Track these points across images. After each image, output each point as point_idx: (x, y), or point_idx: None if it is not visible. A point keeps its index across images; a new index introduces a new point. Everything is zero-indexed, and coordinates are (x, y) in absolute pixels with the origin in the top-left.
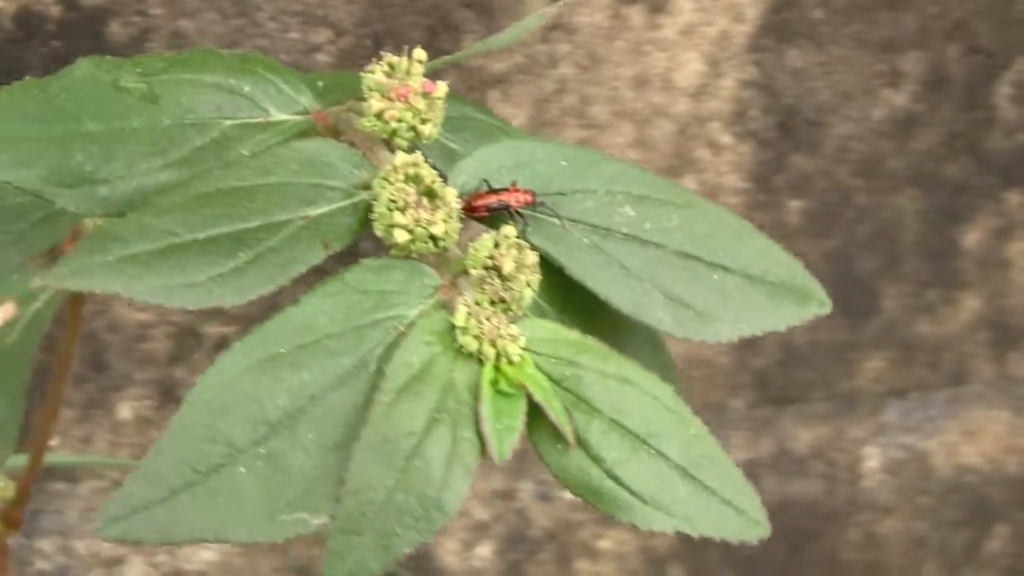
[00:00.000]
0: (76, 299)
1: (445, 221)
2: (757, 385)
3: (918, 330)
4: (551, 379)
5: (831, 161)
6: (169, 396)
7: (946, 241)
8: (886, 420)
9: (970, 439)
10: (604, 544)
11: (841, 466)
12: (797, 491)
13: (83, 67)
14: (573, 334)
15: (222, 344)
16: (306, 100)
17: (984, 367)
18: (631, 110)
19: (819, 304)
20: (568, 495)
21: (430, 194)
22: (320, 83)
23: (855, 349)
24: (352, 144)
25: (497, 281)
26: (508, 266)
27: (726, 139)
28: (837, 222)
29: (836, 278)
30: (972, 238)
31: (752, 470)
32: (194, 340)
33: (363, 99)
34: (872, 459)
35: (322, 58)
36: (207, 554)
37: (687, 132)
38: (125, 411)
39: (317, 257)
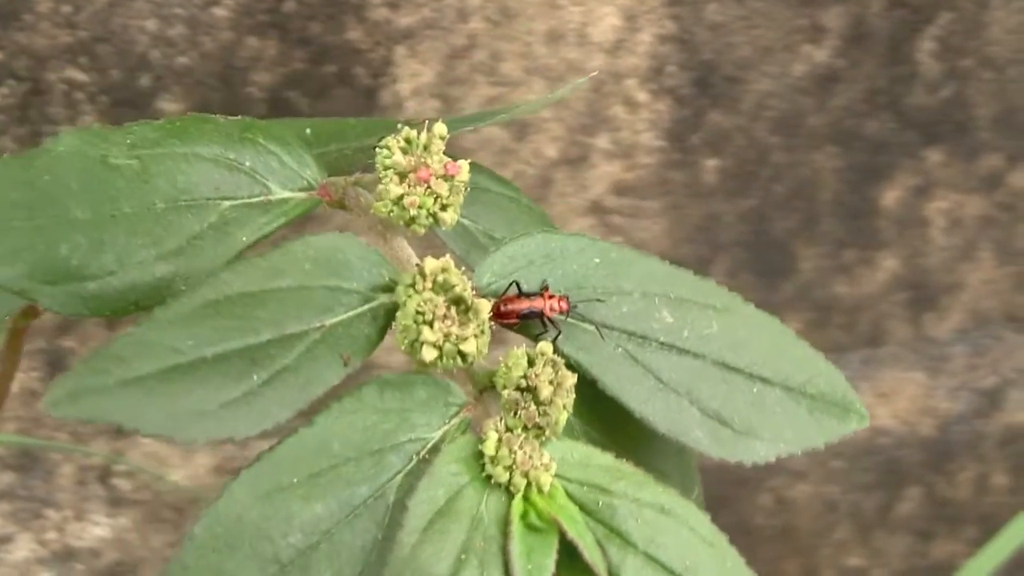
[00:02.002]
0: (16, 332)
1: (476, 337)
2: None
3: (834, 291)
4: (584, 510)
5: (749, 119)
6: (57, 367)
7: (864, 200)
8: None
9: (884, 401)
10: None
11: None
12: (708, 456)
13: (67, 141)
14: (607, 458)
15: None
16: (310, 174)
17: (900, 328)
18: (544, 66)
19: (859, 419)
20: None
21: (459, 303)
22: (308, 130)
23: (770, 310)
24: (359, 217)
25: (532, 405)
26: (545, 390)
27: (642, 96)
28: (754, 181)
29: (752, 238)
30: (891, 197)
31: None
32: None
33: (362, 163)
34: None
35: (219, 12)
36: (98, 530)
37: (602, 89)
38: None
39: (336, 376)
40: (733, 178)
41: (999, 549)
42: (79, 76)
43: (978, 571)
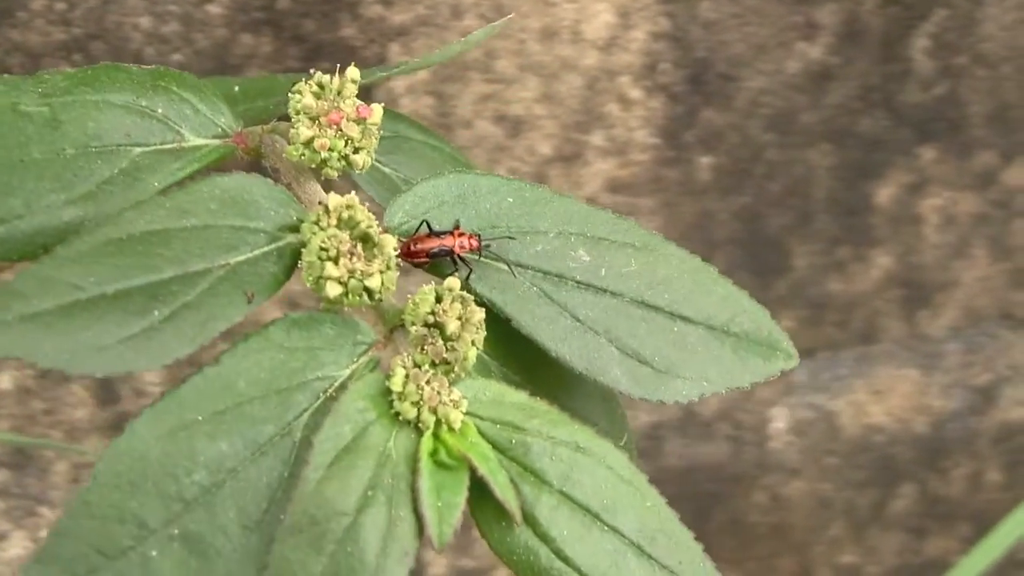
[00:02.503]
0: None
1: (382, 272)
2: None
3: (828, 288)
4: (496, 448)
5: (743, 116)
6: None
7: (858, 197)
8: (794, 380)
9: (878, 398)
10: None
11: (748, 428)
12: (703, 454)
13: None
14: (520, 396)
15: None
16: (225, 121)
17: (894, 325)
18: (538, 63)
19: (786, 358)
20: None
21: (365, 239)
22: (236, 88)
23: (764, 307)
24: (276, 170)
25: (439, 340)
26: (452, 325)
27: (636, 93)
28: (748, 178)
29: (746, 235)
30: (885, 194)
31: (657, 433)
32: None
33: (287, 115)
34: (779, 420)
35: (214, 9)
36: None
37: (596, 86)
38: (5, 381)
39: (239, 313)
40: (727, 175)
41: (993, 546)
42: None
43: (972, 568)
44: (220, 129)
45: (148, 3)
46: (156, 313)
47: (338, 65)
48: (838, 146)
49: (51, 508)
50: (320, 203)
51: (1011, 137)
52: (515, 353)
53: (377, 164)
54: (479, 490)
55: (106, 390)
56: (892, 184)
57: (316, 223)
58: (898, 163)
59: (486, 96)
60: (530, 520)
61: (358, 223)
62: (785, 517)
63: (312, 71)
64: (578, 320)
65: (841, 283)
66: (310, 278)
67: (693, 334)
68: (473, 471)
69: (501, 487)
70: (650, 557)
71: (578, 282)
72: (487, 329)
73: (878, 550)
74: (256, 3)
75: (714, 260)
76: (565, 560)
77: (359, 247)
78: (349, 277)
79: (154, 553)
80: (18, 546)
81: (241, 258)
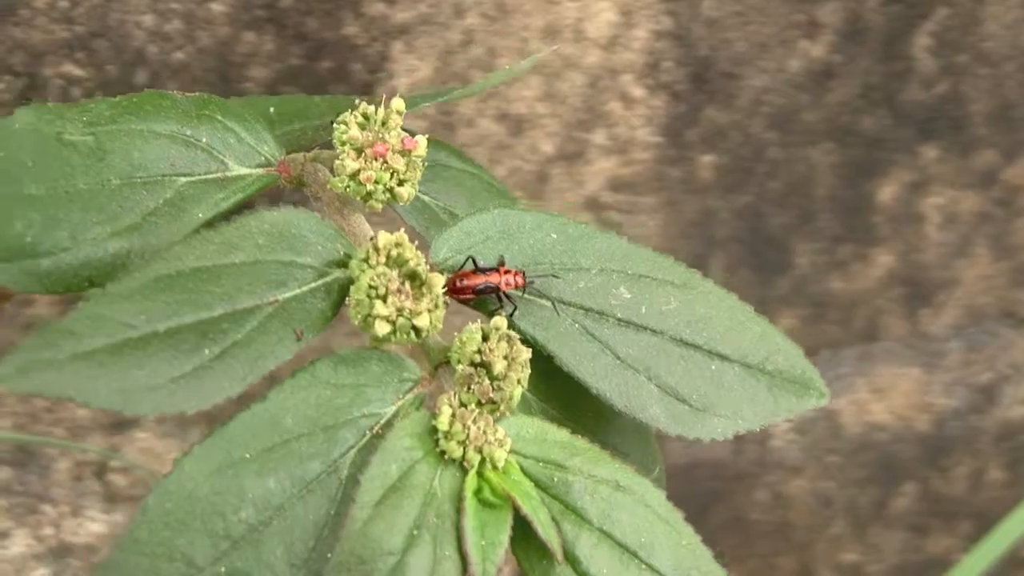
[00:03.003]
0: None
1: (430, 311)
2: None
3: (830, 286)
4: (539, 486)
5: (745, 114)
6: None
7: (860, 196)
8: None
9: (880, 396)
10: None
11: None
12: (705, 452)
13: (23, 117)
14: (562, 434)
15: None
16: (268, 150)
17: (895, 324)
18: (541, 62)
19: (819, 396)
20: None
21: (413, 277)
22: (272, 109)
23: (766, 306)
24: (318, 199)
25: (486, 380)
26: (499, 365)
27: (638, 92)
28: (750, 177)
29: (748, 234)
30: (886, 193)
31: (659, 432)
32: None
33: (326, 142)
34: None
35: (216, 7)
36: (94, 526)
37: (598, 85)
38: None
39: (289, 351)
40: (729, 174)
41: (995, 544)
42: (76, 71)
43: (973, 566)
44: (263, 158)
45: (151, 1)
46: (207, 352)
47: (383, 96)
48: (840, 144)
49: (53, 506)
50: (370, 240)
51: (1013, 135)
52: (555, 389)
53: (418, 194)
54: (521, 527)
55: None
56: (894, 182)
57: (365, 260)
58: (900, 161)
59: (489, 95)
60: (571, 558)
61: (407, 261)
62: (787, 515)
63: (357, 101)
64: (618, 358)
65: (843, 281)
66: (358, 316)
67: (730, 372)
68: (516, 509)
69: (543, 526)
70: None
71: (619, 319)
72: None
73: (880, 548)
74: (259, 1)
75: (716, 258)
76: None
77: (407, 285)
78: (398, 315)
79: None
80: (20, 544)
81: (290, 294)
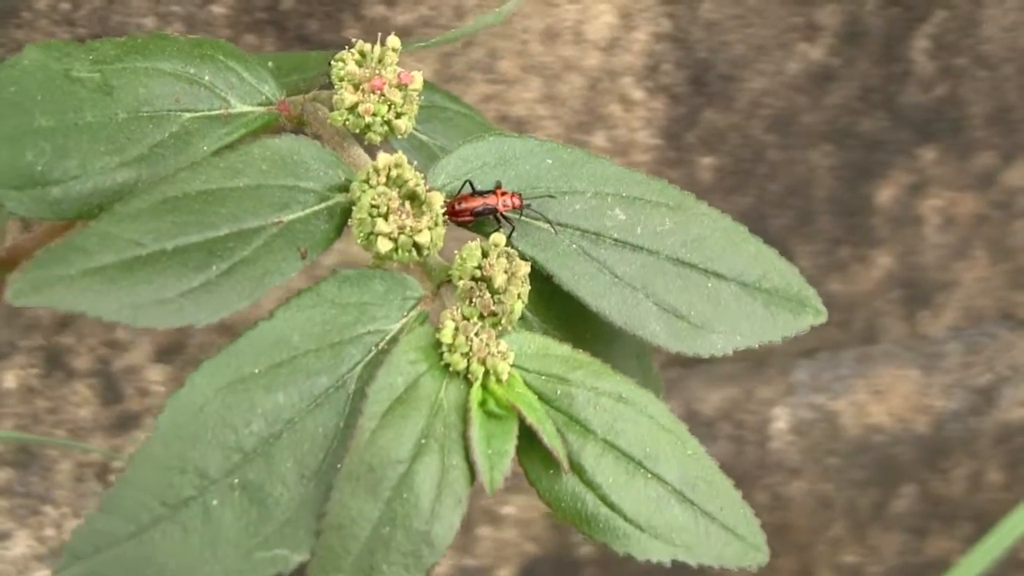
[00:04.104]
0: None
1: (430, 228)
2: None
3: (829, 288)
4: (542, 398)
5: (744, 117)
6: (55, 364)
7: (859, 198)
8: (795, 380)
9: (879, 398)
10: (507, 510)
11: (749, 428)
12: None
13: (32, 55)
14: (564, 348)
15: None
16: (269, 90)
17: (894, 326)
18: (540, 64)
19: (815, 313)
20: None
21: (413, 198)
22: (270, 63)
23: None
24: (318, 136)
25: (487, 293)
26: (499, 278)
27: (638, 94)
28: (750, 179)
29: None
30: (885, 195)
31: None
32: None
33: (327, 84)
34: (780, 420)
35: (217, 9)
36: None
37: (598, 87)
38: (9, 380)
39: (293, 268)
40: (728, 176)
41: (993, 546)
42: None
43: (972, 568)
44: (264, 97)
45: (152, 3)
46: (214, 268)
47: (379, 34)
48: (839, 147)
49: (55, 507)
50: (370, 162)
51: (1011, 138)
52: (555, 310)
53: (415, 132)
54: (527, 439)
55: (110, 389)
56: (893, 185)
57: (366, 181)
58: (899, 164)
59: (488, 96)
60: (576, 468)
61: (406, 181)
62: (786, 517)
63: (353, 40)
64: (616, 276)
65: (842, 283)
66: (361, 234)
67: (726, 290)
68: (521, 420)
69: (549, 435)
70: (692, 503)
71: (615, 240)
72: (530, 288)
73: (879, 550)
74: (260, 4)
75: None
76: (611, 506)
77: (407, 205)
78: (399, 233)
79: (215, 502)
80: (22, 545)
81: (293, 216)
